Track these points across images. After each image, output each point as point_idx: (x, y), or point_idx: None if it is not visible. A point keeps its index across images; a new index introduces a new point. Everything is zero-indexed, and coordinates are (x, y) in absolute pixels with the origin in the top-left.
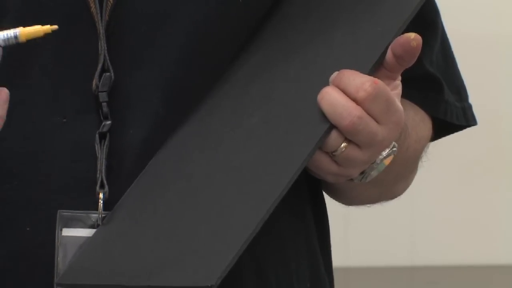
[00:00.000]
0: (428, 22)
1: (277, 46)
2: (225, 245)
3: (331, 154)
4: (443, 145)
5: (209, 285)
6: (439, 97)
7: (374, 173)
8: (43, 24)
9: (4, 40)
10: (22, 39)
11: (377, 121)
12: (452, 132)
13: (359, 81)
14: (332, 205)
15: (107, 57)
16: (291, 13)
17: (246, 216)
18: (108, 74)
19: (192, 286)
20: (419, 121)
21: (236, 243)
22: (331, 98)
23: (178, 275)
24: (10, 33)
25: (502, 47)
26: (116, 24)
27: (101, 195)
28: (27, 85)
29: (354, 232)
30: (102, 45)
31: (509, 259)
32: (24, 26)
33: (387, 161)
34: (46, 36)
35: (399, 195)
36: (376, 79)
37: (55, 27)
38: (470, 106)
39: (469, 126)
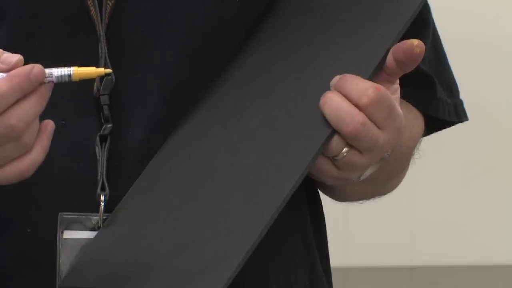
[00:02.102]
0: (419, 19)
1: (276, 47)
2: (230, 252)
3: (333, 159)
4: (442, 145)
5: None
6: (431, 94)
7: (368, 172)
8: (42, 27)
9: (57, 77)
10: (75, 78)
11: (378, 127)
12: (444, 128)
13: (362, 87)
14: (331, 205)
15: (108, 60)
16: (288, 13)
17: (251, 221)
18: (109, 77)
19: None
20: (412, 119)
21: (241, 250)
22: (334, 103)
23: (183, 281)
24: (64, 71)
25: (502, 47)
26: (116, 27)
27: (102, 198)
28: None
29: (353, 232)
30: (103, 47)
31: (509, 259)
32: (25, 31)
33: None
34: (45, 40)
35: (391, 191)
36: (378, 85)
37: (109, 70)
38: (461, 102)
39: (460, 122)
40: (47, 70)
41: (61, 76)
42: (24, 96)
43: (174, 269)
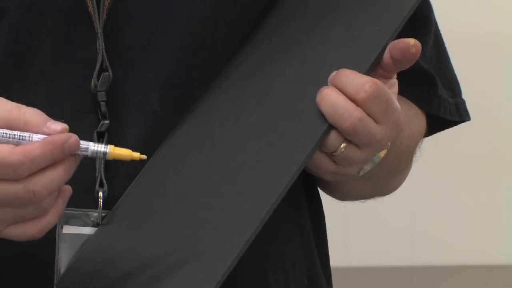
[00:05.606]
0: (421, 18)
1: (274, 44)
2: (225, 248)
3: (331, 154)
4: (443, 145)
5: None
6: (433, 92)
7: (367, 168)
8: (42, 25)
9: (92, 152)
10: (109, 157)
11: (376, 121)
12: (446, 128)
13: (359, 82)
14: (331, 205)
15: (105, 56)
16: (287, 11)
17: (245, 217)
18: (106, 73)
19: None
20: (412, 116)
21: (235, 246)
22: (331, 99)
23: (178, 280)
24: (101, 148)
25: (502, 47)
26: (114, 23)
27: (100, 194)
28: (25, 86)
29: (353, 232)
30: (100, 44)
31: (509, 259)
32: (25, 29)
33: (381, 154)
34: (45, 38)
35: (393, 191)
36: (375, 80)
37: (144, 156)
38: (463, 102)
39: (462, 121)
40: (84, 143)
41: (97, 151)
42: (53, 163)
43: (170, 266)
